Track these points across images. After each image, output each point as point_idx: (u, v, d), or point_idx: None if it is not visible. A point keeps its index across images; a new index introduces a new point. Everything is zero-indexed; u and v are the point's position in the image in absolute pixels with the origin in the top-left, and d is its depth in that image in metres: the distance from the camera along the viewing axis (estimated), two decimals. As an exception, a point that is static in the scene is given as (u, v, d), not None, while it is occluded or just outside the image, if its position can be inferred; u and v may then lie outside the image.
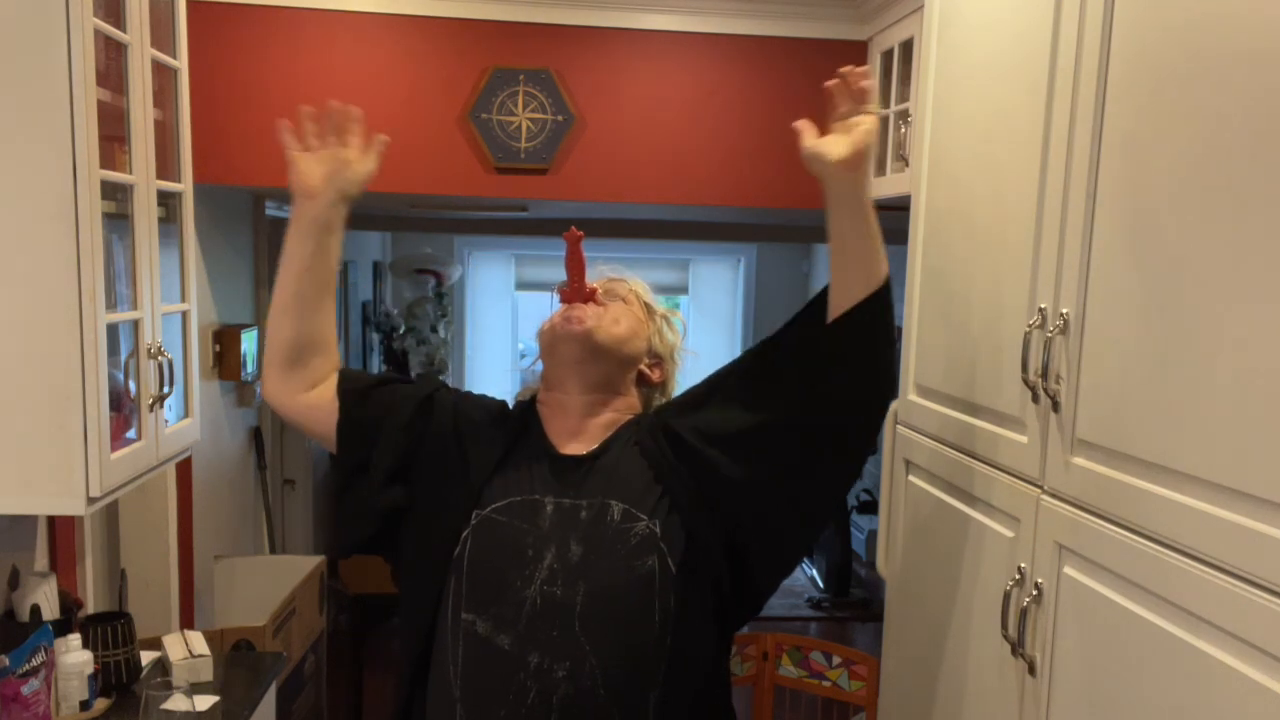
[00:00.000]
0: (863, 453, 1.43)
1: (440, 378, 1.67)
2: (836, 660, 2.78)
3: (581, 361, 1.44)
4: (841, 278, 1.37)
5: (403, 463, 1.46)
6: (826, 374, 1.37)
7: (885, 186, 2.68)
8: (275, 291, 1.50)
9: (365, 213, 4.81)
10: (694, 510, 1.37)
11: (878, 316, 1.37)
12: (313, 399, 1.50)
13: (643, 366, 1.53)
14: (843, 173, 1.31)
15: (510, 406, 1.55)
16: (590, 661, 1.29)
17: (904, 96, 2.57)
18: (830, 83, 1.34)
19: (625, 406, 1.49)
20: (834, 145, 1.31)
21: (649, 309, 1.56)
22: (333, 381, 1.51)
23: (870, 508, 5.72)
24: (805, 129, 1.34)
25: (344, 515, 1.51)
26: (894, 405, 1.90)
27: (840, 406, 1.39)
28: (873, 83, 1.35)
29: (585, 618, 1.31)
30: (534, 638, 1.31)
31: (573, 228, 1.44)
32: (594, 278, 1.53)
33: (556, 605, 1.31)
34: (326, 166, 1.47)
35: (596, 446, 1.43)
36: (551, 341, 1.47)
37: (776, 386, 1.39)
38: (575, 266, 1.45)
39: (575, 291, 1.46)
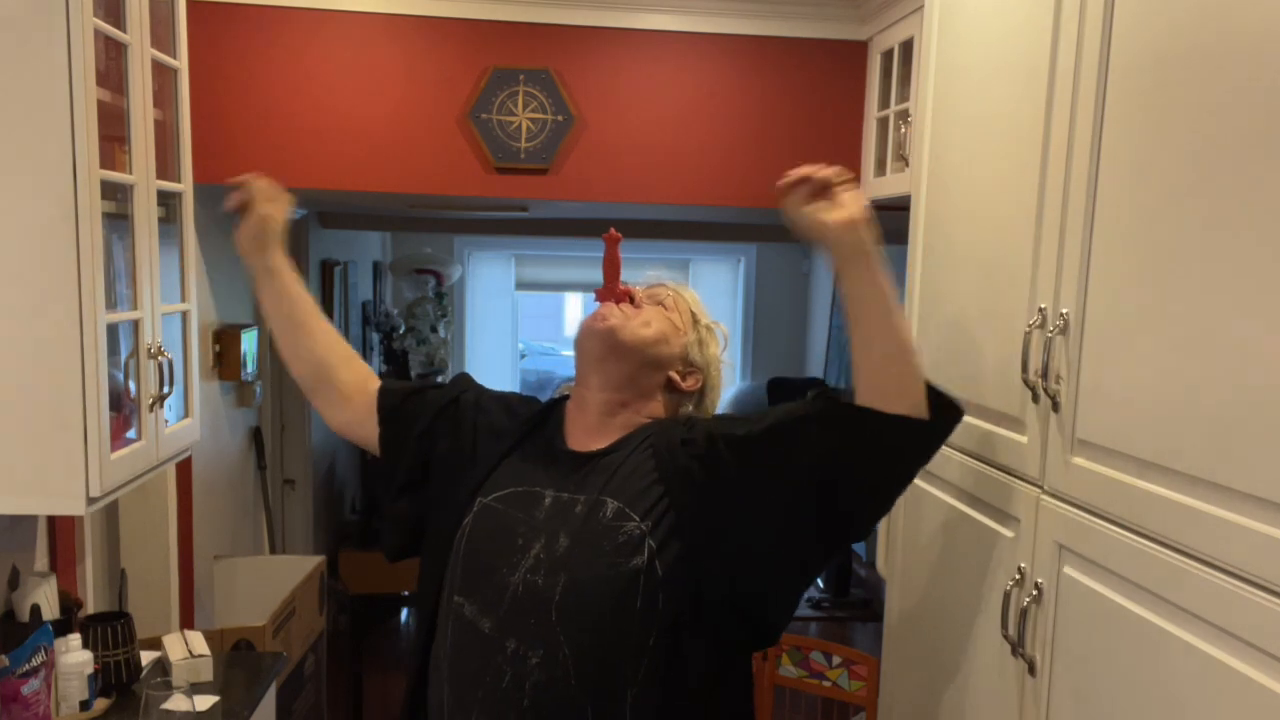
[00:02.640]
0: (852, 535, 1.41)
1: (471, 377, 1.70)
2: (836, 660, 2.78)
3: (603, 358, 1.46)
4: (870, 363, 1.31)
5: (415, 473, 1.54)
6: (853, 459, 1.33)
7: (885, 187, 2.68)
8: (273, 339, 1.67)
9: (365, 213, 4.81)
10: (694, 513, 1.35)
11: (936, 440, 1.36)
12: (350, 417, 1.62)
13: (674, 374, 1.51)
14: (843, 231, 1.28)
15: (534, 399, 1.60)
16: (564, 651, 1.31)
17: (904, 96, 2.57)
18: (789, 181, 1.30)
19: (647, 410, 1.49)
20: (827, 209, 1.29)
21: (694, 318, 1.55)
22: (370, 395, 1.61)
23: (870, 508, 5.70)
24: (785, 191, 1.30)
25: (381, 524, 1.65)
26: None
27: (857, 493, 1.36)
28: (830, 170, 1.29)
29: (562, 608, 1.32)
30: (512, 623, 1.33)
31: (611, 229, 1.46)
32: (644, 282, 1.56)
33: (536, 593, 1.33)
34: (252, 229, 1.62)
35: (607, 445, 1.44)
36: (579, 337, 1.50)
37: (806, 439, 1.35)
38: (611, 268, 1.47)
39: (608, 291, 1.48)
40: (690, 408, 1.55)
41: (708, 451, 1.38)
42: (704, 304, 1.59)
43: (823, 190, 1.29)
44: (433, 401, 1.58)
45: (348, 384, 1.62)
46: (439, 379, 5.66)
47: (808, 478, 1.33)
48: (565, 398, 1.55)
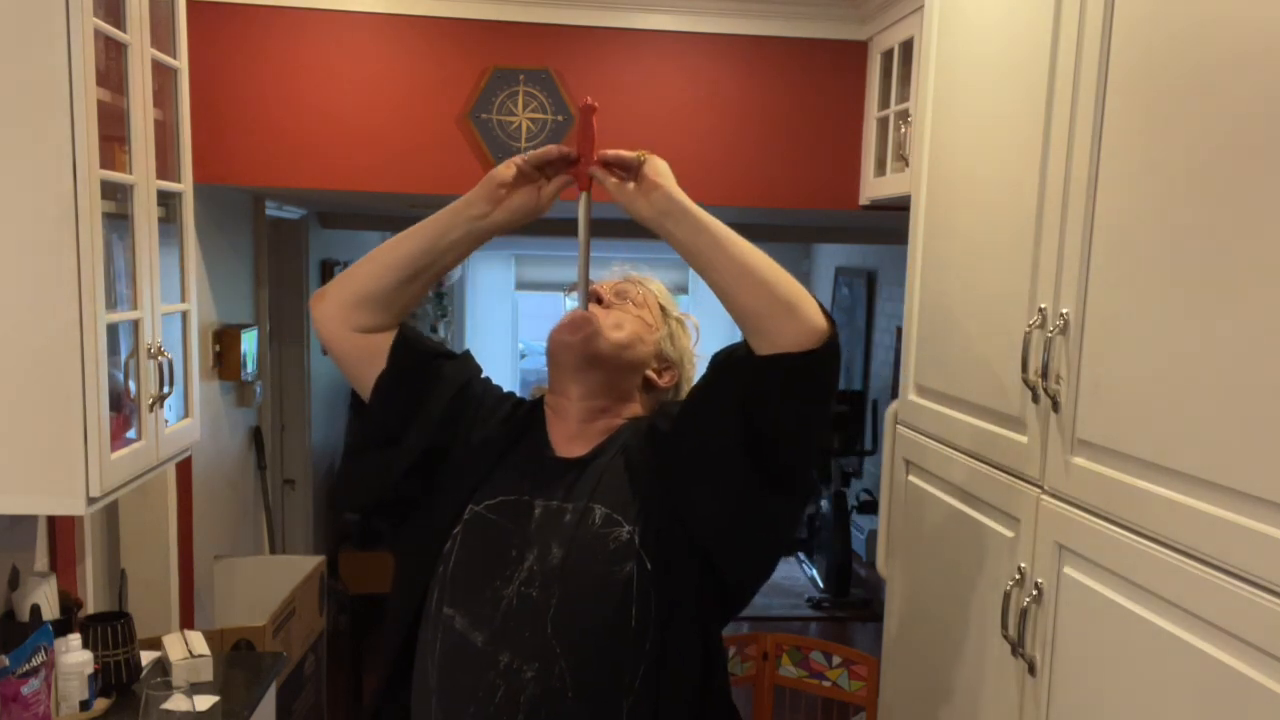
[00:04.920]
0: (794, 474, 1.36)
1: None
2: (836, 660, 2.78)
3: (578, 369, 1.44)
4: (743, 305, 1.29)
5: (427, 457, 1.45)
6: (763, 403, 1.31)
7: (885, 187, 2.69)
8: (393, 245, 1.43)
9: (365, 213, 4.81)
10: (661, 499, 1.35)
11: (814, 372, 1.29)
12: (362, 342, 1.45)
13: (650, 372, 1.50)
14: (659, 198, 1.33)
15: (524, 401, 1.55)
16: (560, 664, 1.29)
17: (904, 96, 2.57)
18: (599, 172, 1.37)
19: (627, 412, 1.47)
20: (645, 184, 1.34)
21: (664, 311, 1.53)
22: (389, 334, 1.46)
23: (870, 508, 5.72)
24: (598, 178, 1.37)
25: (356, 474, 1.51)
26: (894, 405, 1.90)
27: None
28: (630, 153, 1.35)
29: (558, 620, 1.31)
30: (506, 637, 1.31)
31: (588, 98, 1.36)
32: (611, 277, 1.53)
33: (531, 606, 1.32)
34: (521, 197, 1.41)
35: (590, 450, 1.43)
36: (551, 347, 1.47)
37: (713, 396, 1.35)
38: (585, 140, 1.34)
39: (581, 166, 1.35)
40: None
41: (666, 434, 1.39)
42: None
43: (629, 170, 1.35)
44: (451, 380, 1.49)
45: (383, 323, 1.45)
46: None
47: (731, 430, 1.30)
48: (542, 399, 1.52)
